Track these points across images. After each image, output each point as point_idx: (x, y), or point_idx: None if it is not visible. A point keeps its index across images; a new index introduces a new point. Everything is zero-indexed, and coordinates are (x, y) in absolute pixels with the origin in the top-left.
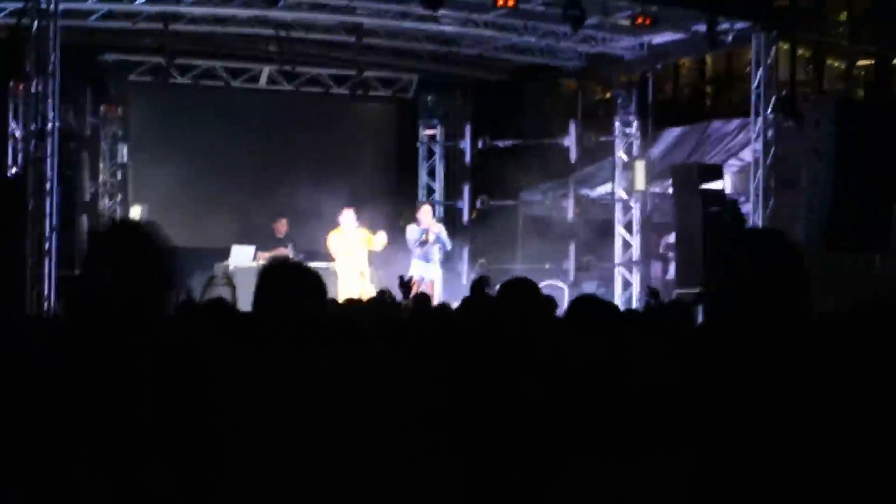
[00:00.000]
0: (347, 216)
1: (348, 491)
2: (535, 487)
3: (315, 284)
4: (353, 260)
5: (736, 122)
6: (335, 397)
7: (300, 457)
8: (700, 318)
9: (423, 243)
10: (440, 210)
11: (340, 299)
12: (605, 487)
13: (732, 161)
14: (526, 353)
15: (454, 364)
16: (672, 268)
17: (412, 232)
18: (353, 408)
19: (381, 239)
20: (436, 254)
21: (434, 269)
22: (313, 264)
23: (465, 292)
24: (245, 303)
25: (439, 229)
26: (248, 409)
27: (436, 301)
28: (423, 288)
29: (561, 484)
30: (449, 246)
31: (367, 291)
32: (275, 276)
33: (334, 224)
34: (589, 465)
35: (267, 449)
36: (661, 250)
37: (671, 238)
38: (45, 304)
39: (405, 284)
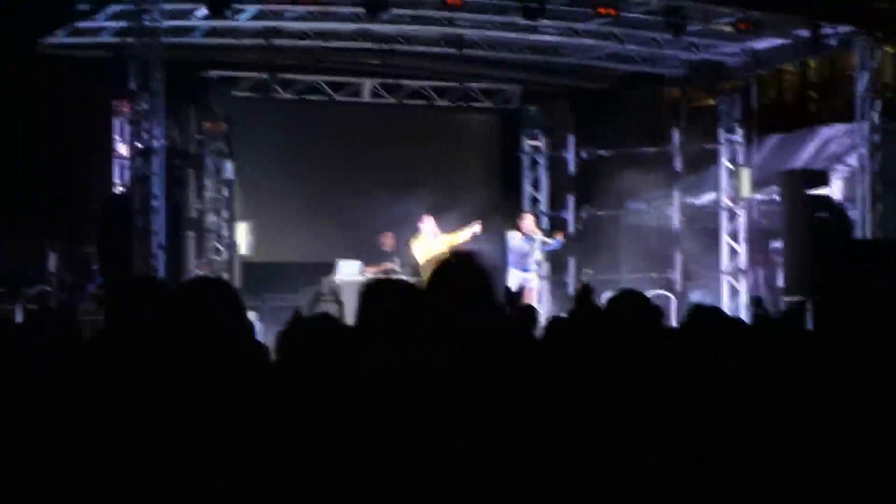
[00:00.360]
0: (428, 223)
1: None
2: (603, 486)
3: (414, 299)
4: None
5: (841, 127)
6: (377, 400)
7: (344, 461)
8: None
9: (528, 254)
10: (545, 221)
11: None
12: (670, 486)
13: (839, 166)
14: (632, 367)
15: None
16: (780, 274)
17: (515, 240)
18: (397, 410)
19: (467, 231)
20: (533, 264)
21: (532, 278)
22: (418, 278)
23: (571, 303)
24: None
25: (542, 238)
26: (295, 417)
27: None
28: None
29: (629, 482)
30: (558, 246)
31: None
32: (376, 294)
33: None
34: (657, 464)
35: (312, 453)
36: (770, 257)
37: (778, 244)
38: None
39: (511, 297)
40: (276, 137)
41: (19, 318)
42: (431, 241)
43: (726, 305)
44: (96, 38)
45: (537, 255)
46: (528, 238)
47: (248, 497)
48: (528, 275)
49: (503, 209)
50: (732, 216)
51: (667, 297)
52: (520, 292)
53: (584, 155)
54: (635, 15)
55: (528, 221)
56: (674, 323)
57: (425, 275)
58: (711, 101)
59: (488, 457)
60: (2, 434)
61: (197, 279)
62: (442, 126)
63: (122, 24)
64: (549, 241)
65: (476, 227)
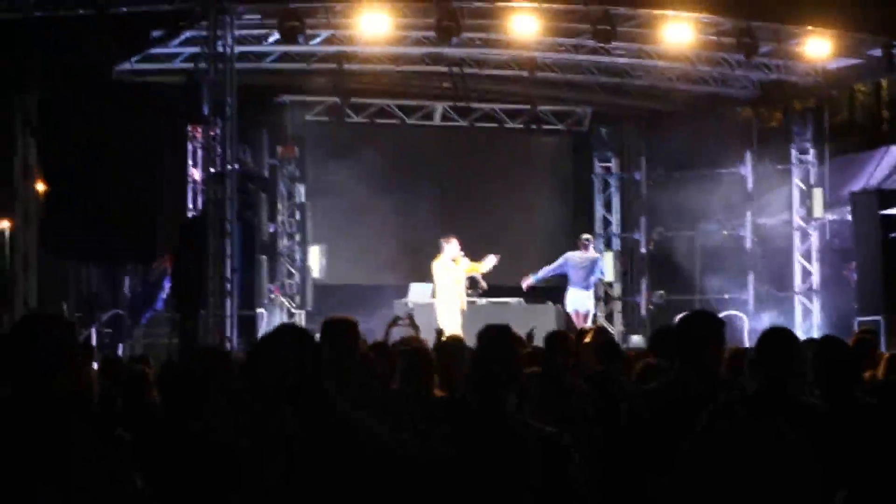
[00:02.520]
0: (452, 245)
1: None
2: None
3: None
4: (458, 289)
5: None
6: None
7: None
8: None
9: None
10: (617, 242)
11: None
12: None
13: None
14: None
15: None
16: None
17: (574, 259)
18: None
19: (488, 262)
20: (591, 280)
21: (590, 297)
22: (494, 300)
23: (644, 324)
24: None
25: (596, 258)
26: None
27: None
28: (579, 321)
29: None
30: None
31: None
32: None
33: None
34: None
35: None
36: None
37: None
38: (227, 344)
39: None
40: (348, 161)
41: (94, 341)
42: (450, 265)
43: (799, 326)
44: (171, 63)
45: (598, 274)
46: (587, 258)
47: None
48: (589, 293)
49: (576, 231)
50: (805, 236)
51: (740, 318)
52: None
53: (655, 176)
54: (707, 36)
55: (583, 242)
56: (746, 344)
57: (442, 298)
58: (783, 122)
59: None
60: None
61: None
62: (513, 148)
63: (196, 49)
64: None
65: (494, 259)
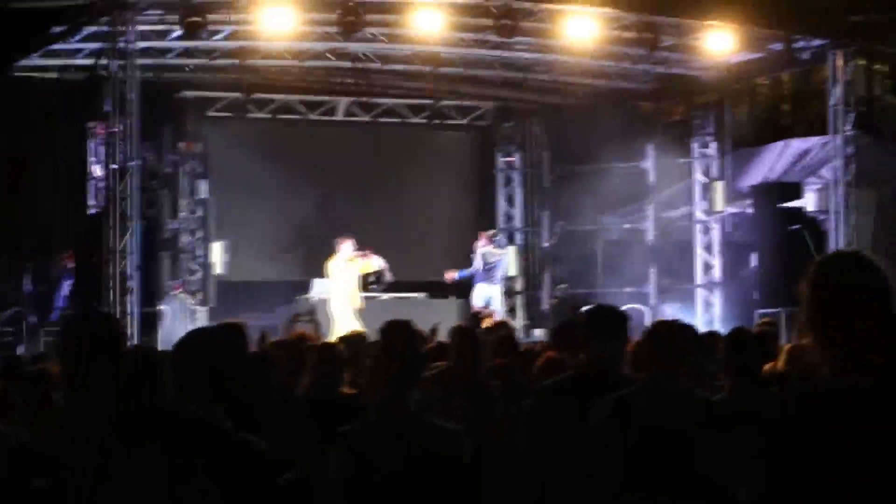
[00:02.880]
0: (345, 246)
1: None
2: None
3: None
4: (350, 290)
5: (815, 140)
6: None
7: None
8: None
9: (489, 268)
10: (520, 237)
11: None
12: None
13: (812, 179)
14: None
15: None
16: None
17: (478, 256)
18: None
19: (376, 262)
20: (498, 276)
21: (496, 290)
22: (398, 295)
23: (547, 318)
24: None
25: (500, 253)
26: None
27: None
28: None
29: None
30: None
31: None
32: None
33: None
34: None
35: None
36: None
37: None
38: (128, 342)
39: (476, 318)
40: (251, 157)
41: None
42: (343, 265)
43: (700, 318)
44: (72, 59)
45: (503, 270)
46: (500, 258)
47: None
48: (494, 287)
49: (478, 226)
50: (706, 230)
51: (642, 311)
52: (486, 314)
53: (558, 171)
54: (609, 31)
55: (482, 239)
56: None
57: (336, 299)
58: (685, 116)
59: None
60: None
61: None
62: (416, 143)
63: (98, 45)
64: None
65: (381, 262)
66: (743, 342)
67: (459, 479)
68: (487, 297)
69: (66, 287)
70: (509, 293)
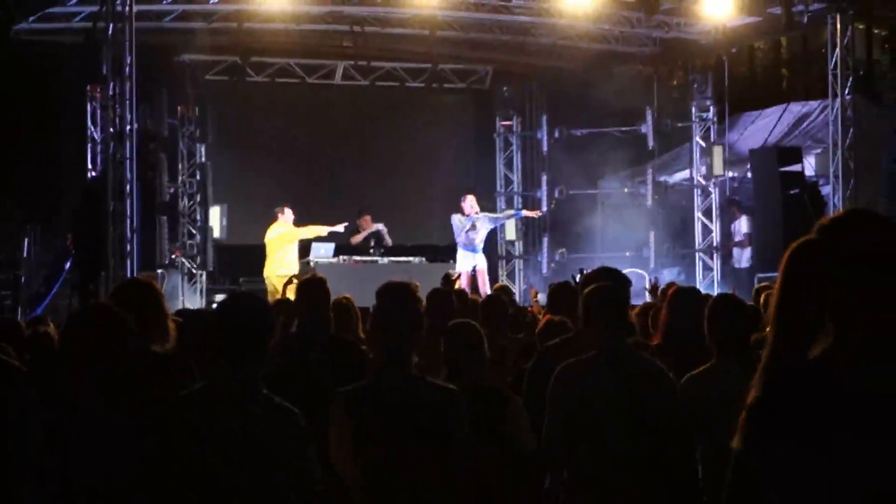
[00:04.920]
0: (287, 213)
1: None
2: None
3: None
4: (289, 257)
5: (814, 104)
6: None
7: None
8: None
9: (469, 231)
10: (518, 201)
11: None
12: None
13: (812, 143)
14: None
15: None
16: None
17: (457, 221)
18: None
19: (315, 230)
20: (480, 243)
21: (480, 258)
22: (396, 259)
23: (545, 282)
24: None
25: (484, 216)
26: None
27: (485, 289)
28: (467, 281)
29: None
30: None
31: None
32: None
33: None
34: None
35: None
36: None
37: (740, 223)
38: None
39: (447, 281)
40: (250, 120)
41: None
42: (282, 230)
43: (700, 283)
44: (69, 23)
45: (482, 233)
46: (470, 218)
47: None
48: (476, 256)
49: (477, 190)
50: (706, 194)
51: (641, 275)
52: (457, 278)
53: (557, 134)
54: None
55: (468, 202)
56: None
57: (274, 263)
58: (684, 80)
59: None
60: None
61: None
62: (415, 107)
63: (94, 8)
64: (495, 215)
65: (380, 226)
66: (729, 308)
67: (459, 440)
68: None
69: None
70: (508, 258)
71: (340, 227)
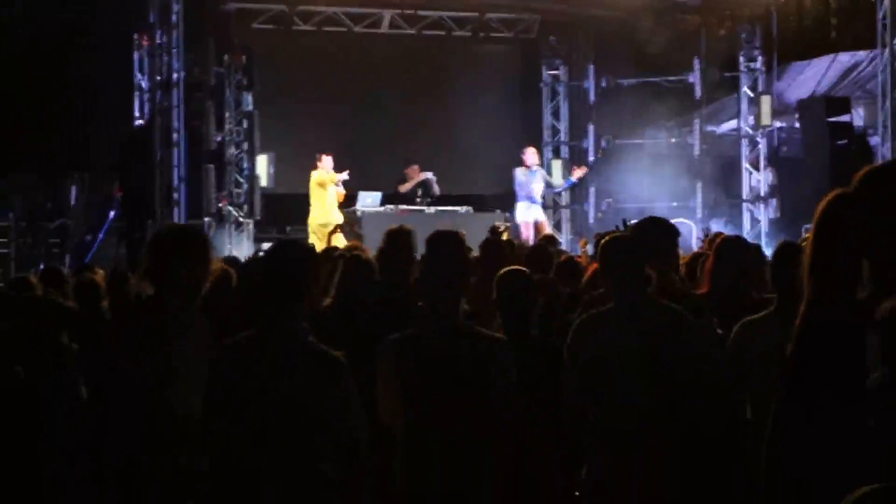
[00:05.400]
0: (326, 161)
1: None
2: None
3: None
4: (327, 204)
5: (862, 54)
6: None
7: None
8: None
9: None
10: (565, 150)
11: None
12: None
13: (860, 93)
14: None
15: None
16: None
17: (520, 174)
18: None
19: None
20: (539, 197)
21: (538, 210)
22: (443, 208)
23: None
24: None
25: (542, 172)
26: None
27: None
28: (529, 231)
29: None
30: (569, 185)
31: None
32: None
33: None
34: None
35: None
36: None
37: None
38: None
39: (494, 232)
40: (296, 69)
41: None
42: (324, 176)
43: (747, 233)
44: None
45: (539, 186)
46: (531, 171)
47: None
48: (537, 207)
49: (524, 139)
50: (753, 144)
51: (688, 225)
52: (504, 229)
53: (604, 84)
54: None
55: (529, 154)
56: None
57: (320, 211)
58: (731, 29)
59: None
60: None
61: None
62: (461, 56)
63: None
64: (553, 181)
65: (428, 174)
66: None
67: (501, 390)
68: (534, 216)
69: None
70: (554, 207)
71: (344, 175)
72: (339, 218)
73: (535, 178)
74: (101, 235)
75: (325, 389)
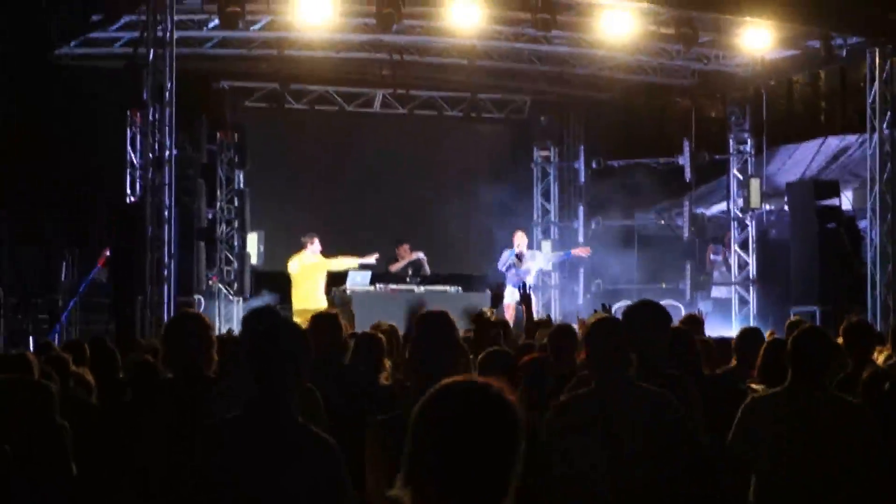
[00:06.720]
0: (315, 242)
1: None
2: None
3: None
4: (318, 287)
5: (852, 138)
6: None
7: None
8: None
9: (512, 267)
10: (555, 231)
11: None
12: None
13: (850, 177)
14: None
15: None
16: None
17: (505, 255)
18: None
19: (346, 262)
20: (530, 279)
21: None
22: (433, 288)
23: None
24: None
25: (532, 255)
26: None
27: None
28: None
29: None
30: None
31: None
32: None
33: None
34: None
35: None
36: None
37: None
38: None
39: (496, 295)
40: (288, 147)
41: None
42: (310, 259)
43: (735, 316)
44: (110, 48)
45: (534, 271)
46: (512, 252)
47: None
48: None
49: (514, 220)
50: (742, 227)
51: (676, 307)
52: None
53: (594, 165)
54: (646, 26)
55: (515, 237)
56: None
57: (301, 294)
58: (722, 112)
59: None
60: None
61: None
62: (453, 137)
63: (136, 34)
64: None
65: (419, 255)
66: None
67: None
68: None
69: (93, 273)
70: (544, 288)
71: (372, 259)
72: (322, 303)
73: (517, 257)
74: (72, 301)
75: (316, 471)
